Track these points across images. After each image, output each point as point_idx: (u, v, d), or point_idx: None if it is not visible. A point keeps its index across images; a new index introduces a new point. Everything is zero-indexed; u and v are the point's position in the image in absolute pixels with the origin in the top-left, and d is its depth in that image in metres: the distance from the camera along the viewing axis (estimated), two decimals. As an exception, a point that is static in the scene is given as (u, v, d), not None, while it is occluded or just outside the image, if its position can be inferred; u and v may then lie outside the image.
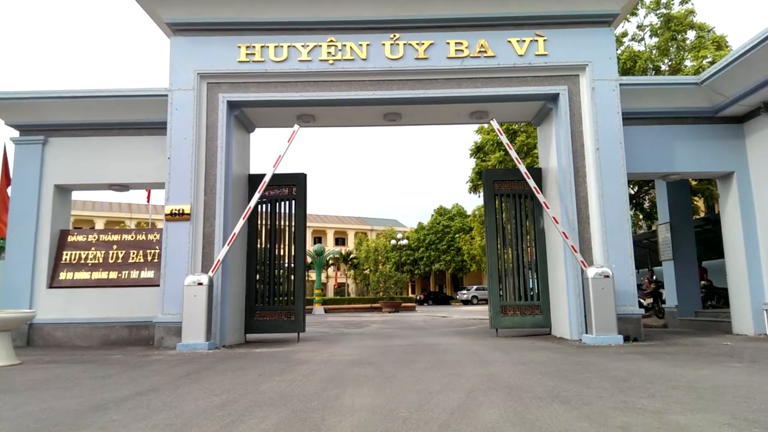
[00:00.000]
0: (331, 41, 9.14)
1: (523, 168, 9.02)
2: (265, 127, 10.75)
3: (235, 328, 9.32)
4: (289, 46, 9.12)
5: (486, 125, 17.92)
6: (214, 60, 9.11)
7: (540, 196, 8.89)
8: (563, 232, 8.49)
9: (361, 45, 9.13)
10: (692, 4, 15.27)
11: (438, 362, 6.20)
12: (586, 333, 8.23)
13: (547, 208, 8.87)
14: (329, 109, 9.76)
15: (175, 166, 8.84)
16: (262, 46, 9.11)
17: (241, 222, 8.75)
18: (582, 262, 8.35)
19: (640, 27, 16.10)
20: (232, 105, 9.28)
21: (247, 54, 9.10)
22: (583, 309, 8.39)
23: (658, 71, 15.20)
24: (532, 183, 8.92)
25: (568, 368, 5.49)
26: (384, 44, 9.14)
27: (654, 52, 15.41)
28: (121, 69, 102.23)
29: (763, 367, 5.44)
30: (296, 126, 9.05)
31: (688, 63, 14.85)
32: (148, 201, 19.15)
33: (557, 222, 8.69)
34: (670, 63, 15.35)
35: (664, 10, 15.38)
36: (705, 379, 4.72)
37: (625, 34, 16.10)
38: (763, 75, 8.50)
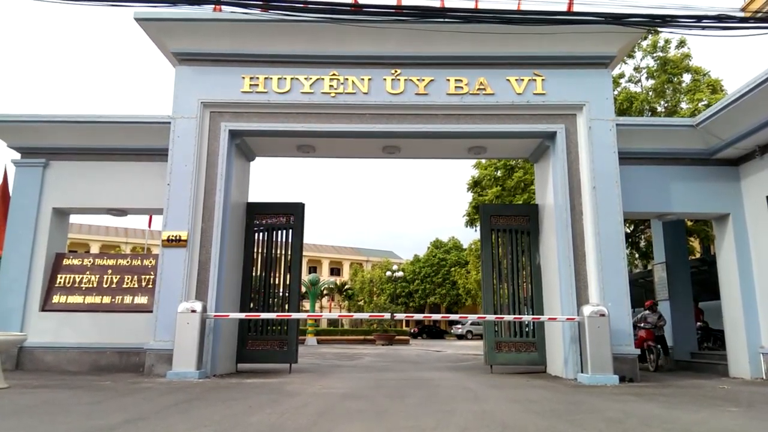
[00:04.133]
0: (334, 75, 9.30)
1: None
2: (266, 156, 10.84)
3: (227, 357, 9.20)
4: (292, 79, 9.27)
5: (484, 161, 18.12)
6: (217, 90, 9.24)
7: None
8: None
9: (362, 79, 9.29)
10: (688, 48, 15.65)
11: (431, 398, 6.12)
12: (582, 372, 8.14)
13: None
14: (329, 141, 9.87)
15: (174, 193, 8.87)
16: (265, 78, 9.25)
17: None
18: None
19: (636, 69, 16.44)
20: (233, 134, 9.37)
21: (250, 85, 9.24)
22: (579, 347, 8.33)
23: (654, 112, 15.46)
24: None
25: (563, 408, 5.43)
26: (385, 79, 9.30)
27: (650, 93, 15.70)
28: (120, 94, 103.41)
29: (761, 411, 5.39)
30: None
31: (683, 105, 15.12)
32: (149, 226, 19.15)
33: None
34: (666, 105, 15.62)
35: (660, 54, 15.73)
36: (701, 422, 4.67)
37: (622, 76, 16.43)
38: (757, 119, 8.64)
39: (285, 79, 9.28)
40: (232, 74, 9.27)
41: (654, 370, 10.91)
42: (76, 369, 8.94)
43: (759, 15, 10.28)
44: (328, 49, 9.28)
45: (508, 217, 10.46)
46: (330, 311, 54.22)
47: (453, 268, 49.89)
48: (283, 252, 10.23)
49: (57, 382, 7.24)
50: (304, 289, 29.47)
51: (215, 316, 8.50)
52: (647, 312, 11.79)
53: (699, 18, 8.02)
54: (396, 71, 9.31)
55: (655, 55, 15.83)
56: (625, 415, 4.94)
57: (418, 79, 9.29)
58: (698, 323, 13.04)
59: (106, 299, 9.49)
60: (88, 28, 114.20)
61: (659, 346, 11.27)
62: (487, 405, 5.55)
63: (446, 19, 8.73)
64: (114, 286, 9.62)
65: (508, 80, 9.29)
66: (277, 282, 10.20)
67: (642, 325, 11.60)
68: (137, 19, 8.81)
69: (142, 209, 10.53)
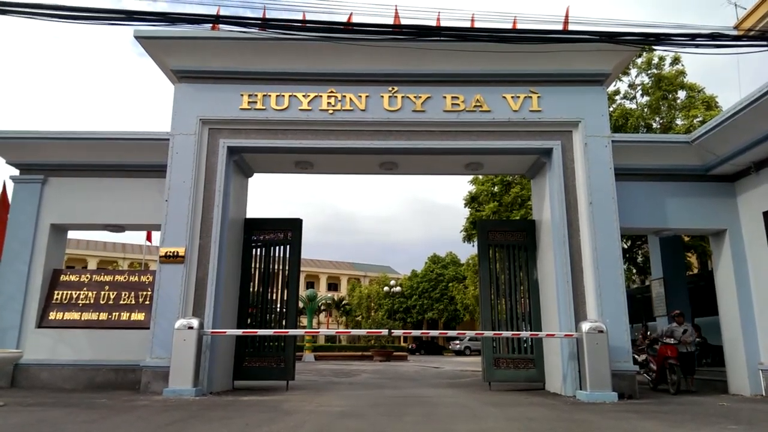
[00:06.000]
0: (332, 92, 9.37)
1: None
2: (264, 172, 10.89)
3: (224, 374, 9.14)
4: (290, 96, 9.33)
5: (481, 176, 18.20)
6: (216, 107, 9.29)
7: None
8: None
9: (360, 96, 9.36)
10: (682, 65, 15.82)
11: (430, 416, 6.09)
12: (580, 389, 8.10)
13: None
14: (327, 157, 9.92)
15: (172, 209, 8.87)
16: (264, 95, 9.31)
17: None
18: None
19: (631, 86, 16.61)
20: (231, 150, 9.41)
21: (249, 102, 9.30)
22: (577, 364, 8.29)
23: (649, 129, 15.58)
24: None
25: (563, 426, 5.40)
26: (383, 96, 9.37)
27: (645, 110, 15.84)
28: (119, 111, 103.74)
29: (761, 429, 5.36)
30: None
31: (678, 122, 15.25)
32: (149, 240, 19.25)
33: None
34: (661, 121, 15.76)
35: (655, 71, 15.90)
36: (700, 440, 4.64)
37: (617, 93, 16.58)
38: (752, 136, 8.71)
39: (283, 96, 9.34)
40: (230, 91, 9.33)
41: (675, 393, 9.50)
42: (71, 386, 8.87)
43: (752, 33, 10.42)
44: (325, 66, 9.36)
45: (505, 233, 10.48)
46: (327, 327, 53.86)
47: (451, 284, 49.77)
48: (281, 268, 10.21)
49: (52, 399, 7.18)
50: (301, 305, 29.34)
51: (212, 332, 8.47)
52: (674, 324, 10.47)
53: (693, 36, 8.13)
54: (393, 88, 9.39)
55: (649, 72, 16.00)
56: (624, 433, 4.91)
57: (415, 96, 9.36)
58: (697, 339, 12.99)
59: (103, 316, 9.44)
60: (87, 44, 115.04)
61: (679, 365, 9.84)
62: (485, 423, 5.52)
63: (442, 38, 8.83)
64: (111, 302, 9.57)
65: (504, 97, 9.37)
66: (274, 298, 10.16)
67: (665, 339, 10.36)
68: (137, 38, 8.89)
69: (140, 225, 10.53)
